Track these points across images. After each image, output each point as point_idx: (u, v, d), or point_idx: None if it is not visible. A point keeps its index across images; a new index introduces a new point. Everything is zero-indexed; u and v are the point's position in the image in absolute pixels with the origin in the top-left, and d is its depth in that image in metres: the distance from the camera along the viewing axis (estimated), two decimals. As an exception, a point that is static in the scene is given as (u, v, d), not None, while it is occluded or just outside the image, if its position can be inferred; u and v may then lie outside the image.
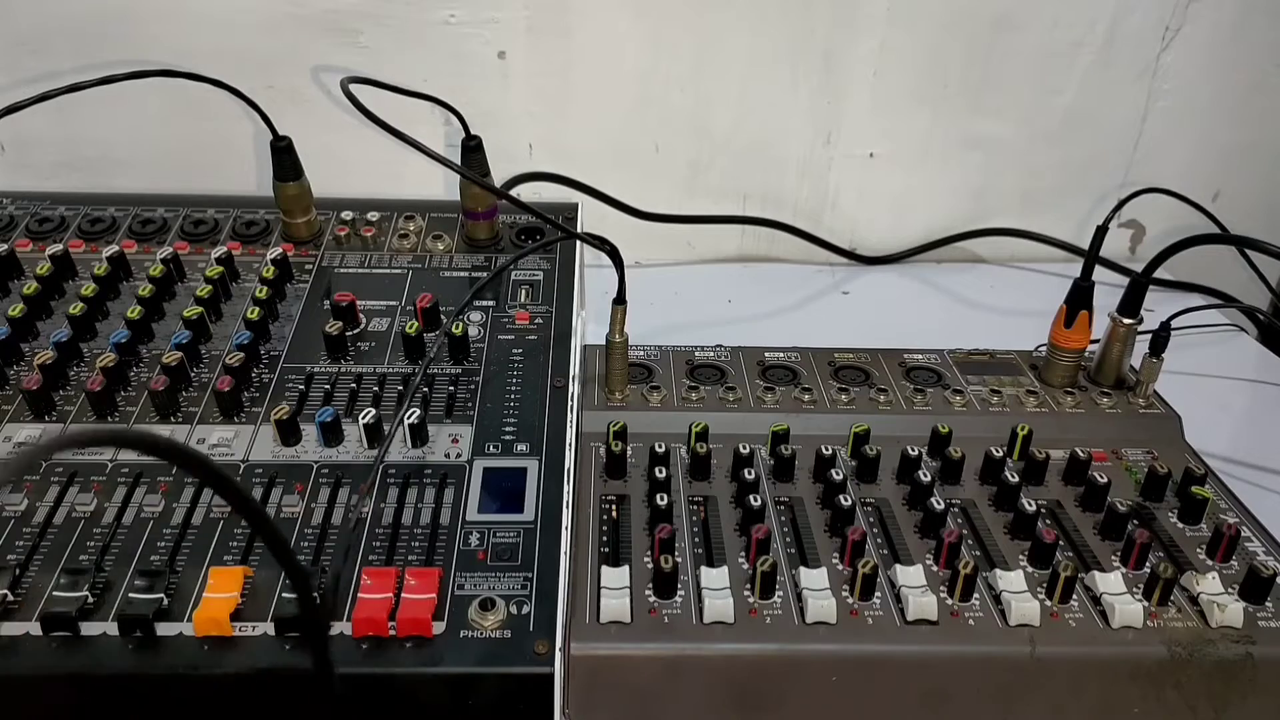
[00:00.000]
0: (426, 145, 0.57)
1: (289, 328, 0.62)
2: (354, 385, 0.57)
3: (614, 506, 0.56)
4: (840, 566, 0.52)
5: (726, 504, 0.56)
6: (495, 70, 0.87)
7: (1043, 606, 0.50)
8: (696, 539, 0.54)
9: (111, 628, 0.43)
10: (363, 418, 0.53)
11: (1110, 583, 0.51)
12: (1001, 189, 0.98)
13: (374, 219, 0.71)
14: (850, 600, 0.50)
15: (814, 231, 0.98)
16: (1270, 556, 0.54)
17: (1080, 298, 0.66)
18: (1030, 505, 0.55)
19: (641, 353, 0.68)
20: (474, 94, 0.82)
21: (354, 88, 0.60)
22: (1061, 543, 0.54)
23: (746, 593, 0.50)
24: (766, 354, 0.69)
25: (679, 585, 0.50)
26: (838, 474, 0.56)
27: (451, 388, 0.57)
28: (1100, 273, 0.67)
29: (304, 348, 0.60)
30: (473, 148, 0.68)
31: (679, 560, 0.51)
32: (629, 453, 0.59)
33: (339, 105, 0.61)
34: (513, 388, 0.58)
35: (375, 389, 0.57)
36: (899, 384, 0.67)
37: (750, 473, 0.56)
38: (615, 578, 0.50)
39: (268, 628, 0.44)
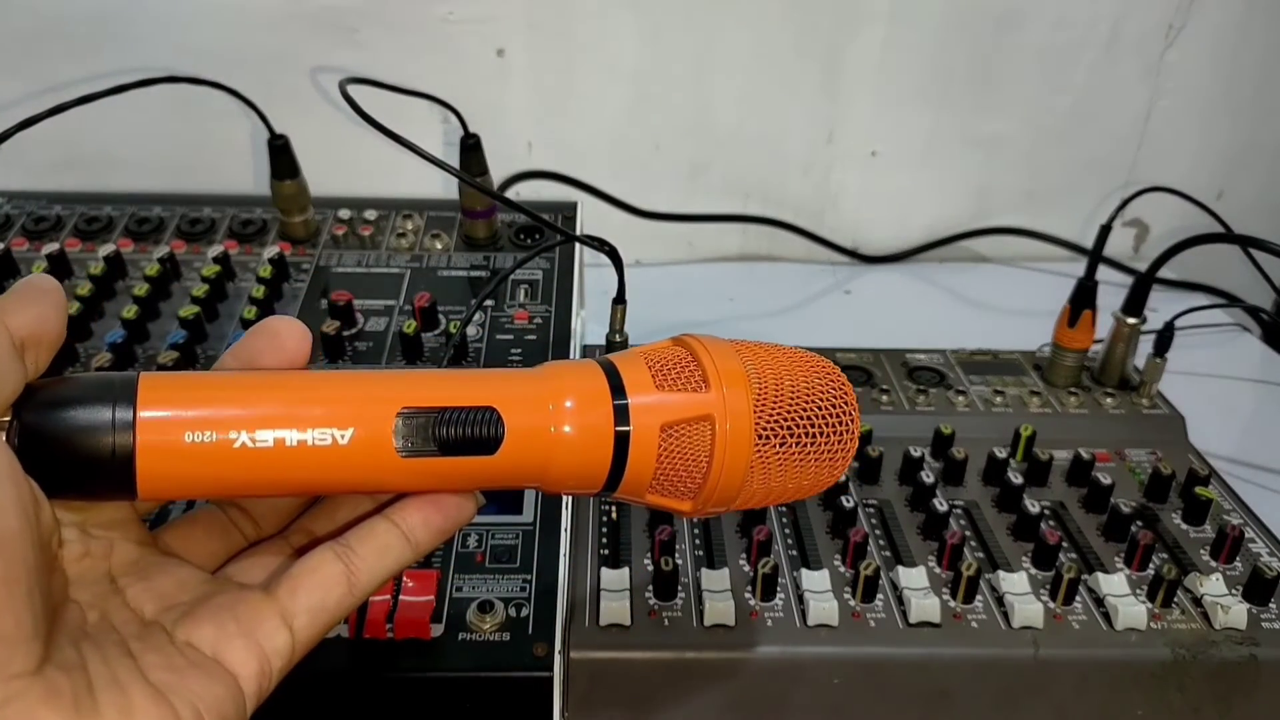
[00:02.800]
0: (424, 146, 0.57)
1: (286, 327, 0.61)
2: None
3: (614, 508, 0.55)
4: (842, 568, 0.52)
5: (727, 505, 0.56)
6: (494, 68, 0.87)
7: (1046, 608, 0.49)
8: (697, 540, 0.53)
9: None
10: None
11: (1114, 584, 0.50)
12: (1004, 188, 0.98)
13: (372, 218, 0.71)
14: (852, 602, 0.50)
15: (816, 230, 0.98)
16: (1274, 558, 0.54)
17: (1084, 297, 0.66)
18: (1033, 506, 0.54)
19: (641, 352, 0.68)
20: (473, 92, 0.81)
21: (352, 87, 0.59)
22: (1065, 544, 0.53)
23: (747, 595, 0.50)
24: (767, 354, 0.69)
25: (679, 587, 0.50)
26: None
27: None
28: (1104, 272, 0.66)
29: (301, 347, 0.60)
30: (471, 146, 0.67)
31: (679, 562, 0.51)
32: (629, 453, 0.59)
33: (336, 103, 0.60)
34: (512, 388, 0.57)
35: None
36: (901, 384, 0.67)
37: (751, 473, 0.56)
38: (615, 580, 0.50)
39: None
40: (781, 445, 0.32)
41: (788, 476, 0.32)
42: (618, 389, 0.31)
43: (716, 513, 0.33)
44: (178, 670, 0.27)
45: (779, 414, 0.32)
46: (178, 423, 0.28)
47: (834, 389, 0.33)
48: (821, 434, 0.32)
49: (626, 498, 0.32)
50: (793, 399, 0.32)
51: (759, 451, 0.31)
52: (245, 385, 0.29)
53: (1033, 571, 0.52)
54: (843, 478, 0.55)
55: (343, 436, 0.29)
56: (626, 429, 0.31)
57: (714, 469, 0.31)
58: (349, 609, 0.31)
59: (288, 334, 0.31)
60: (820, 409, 0.32)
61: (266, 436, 0.28)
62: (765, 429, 0.31)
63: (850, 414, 0.33)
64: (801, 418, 0.32)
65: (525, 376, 0.32)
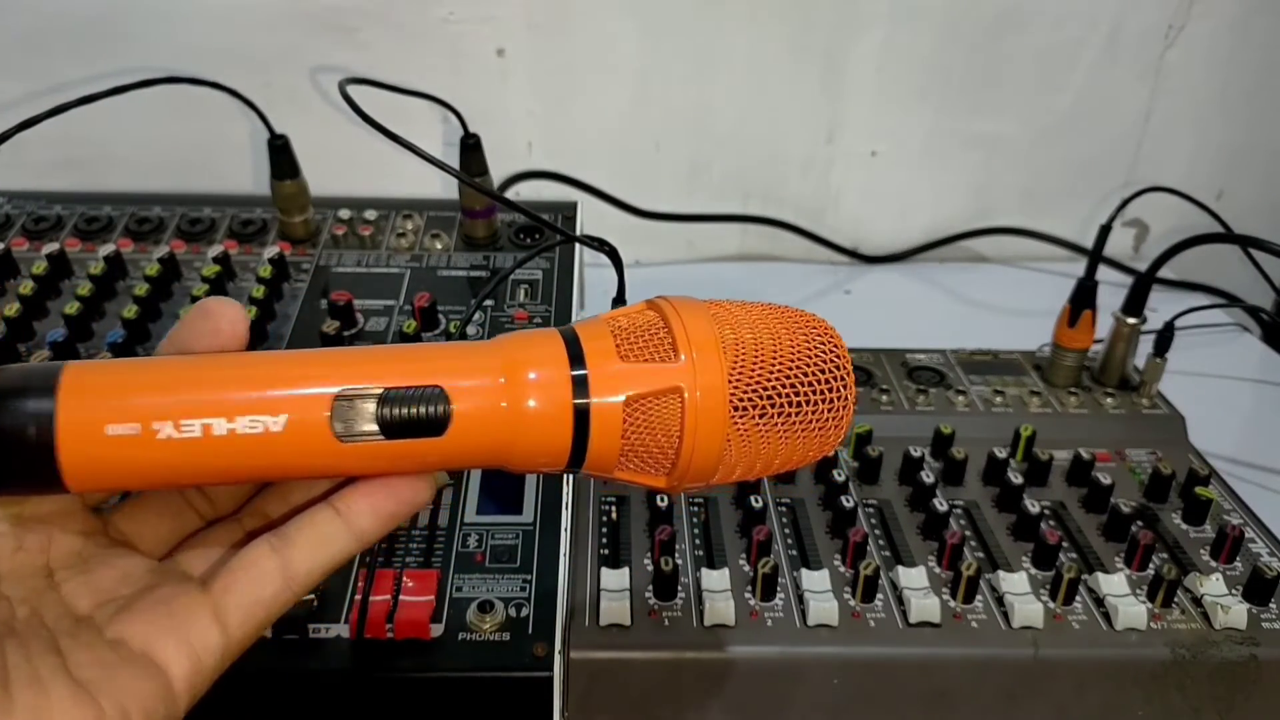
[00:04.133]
0: (424, 146, 0.57)
1: (286, 327, 0.61)
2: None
3: (614, 508, 0.55)
4: (842, 568, 0.52)
5: (727, 505, 0.56)
6: (494, 68, 0.87)
7: (1046, 609, 0.49)
8: (697, 540, 0.53)
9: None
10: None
11: (1114, 584, 0.50)
12: (1004, 187, 0.98)
13: (371, 218, 0.71)
14: (852, 603, 0.50)
15: (816, 230, 0.98)
16: (1274, 558, 0.54)
17: (1084, 297, 0.66)
18: (1033, 506, 0.54)
19: (641, 352, 0.68)
20: (473, 92, 0.81)
21: (351, 87, 0.59)
22: (1065, 544, 0.53)
23: (747, 595, 0.50)
24: (767, 354, 0.69)
25: (679, 587, 0.50)
26: (839, 475, 0.56)
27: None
28: (1104, 272, 0.66)
29: (301, 347, 0.59)
30: (471, 146, 0.67)
31: (679, 562, 0.51)
32: (629, 453, 0.59)
33: (336, 103, 0.60)
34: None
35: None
36: (901, 384, 0.67)
37: (751, 473, 0.56)
38: (615, 580, 0.50)
39: (264, 630, 0.43)
40: (762, 416, 0.29)
41: (773, 448, 0.30)
42: (578, 359, 0.29)
43: (696, 488, 0.31)
44: (107, 667, 0.26)
45: (758, 382, 0.29)
46: (99, 414, 0.27)
47: (823, 350, 0.30)
48: (809, 401, 0.29)
49: (596, 474, 0.30)
50: (775, 364, 0.29)
51: (736, 423, 0.29)
52: (171, 372, 0.28)
53: (1033, 571, 0.52)
54: (843, 476, 0.55)
55: (275, 423, 0.27)
56: (587, 403, 0.28)
57: (686, 444, 0.29)
58: (288, 603, 0.30)
59: (221, 315, 0.30)
60: (807, 374, 0.29)
61: (192, 426, 0.27)
62: (742, 399, 0.29)
63: (842, 377, 0.30)
64: (785, 385, 0.29)
65: (477, 350, 0.30)
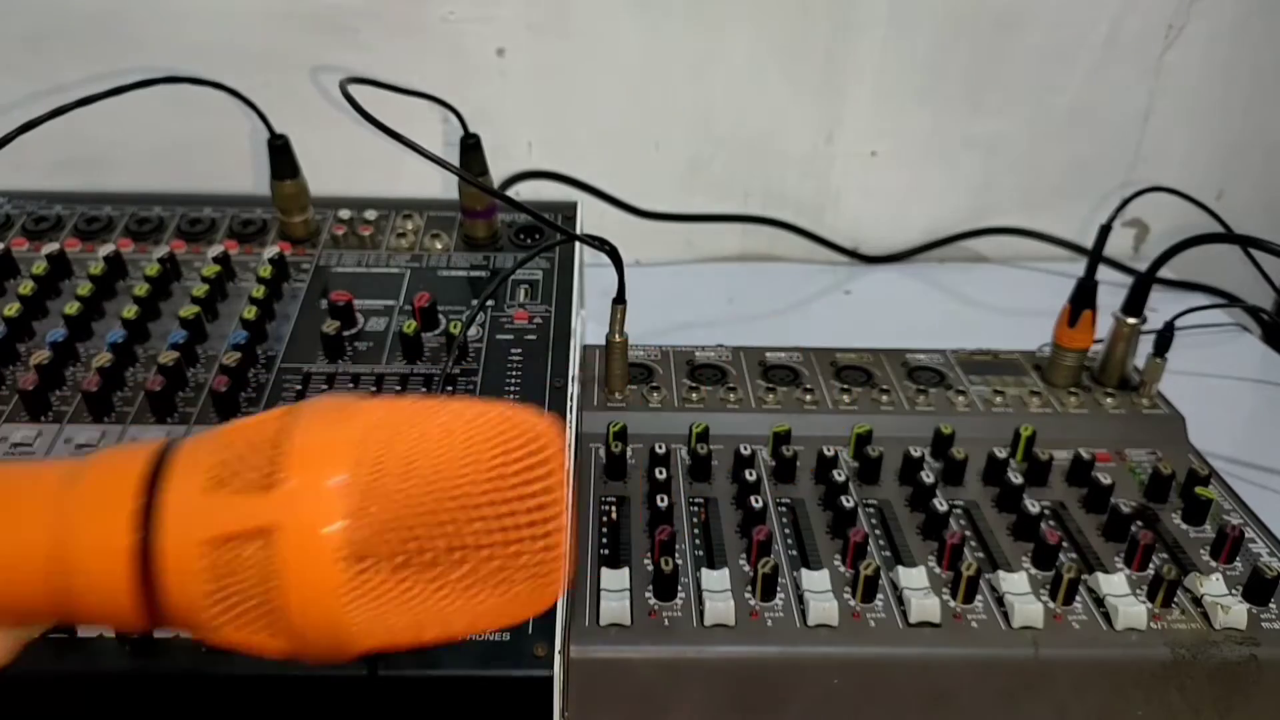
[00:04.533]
0: (424, 146, 0.57)
1: (285, 327, 0.61)
2: (351, 385, 0.57)
3: (613, 508, 0.55)
4: (842, 568, 0.52)
5: (727, 505, 0.56)
6: (494, 68, 0.87)
7: (1046, 608, 0.49)
8: (697, 541, 0.53)
9: (109, 629, 0.43)
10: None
11: (1114, 584, 0.50)
12: (1004, 187, 0.98)
13: (371, 218, 0.71)
14: (852, 603, 0.50)
15: (815, 230, 0.98)
16: (1275, 558, 0.54)
17: (1084, 297, 0.66)
18: (1033, 507, 0.54)
19: (641, 353, 0.68)
20: (472, 92, 0.81)
21: (352, 87, 0.59)
22: (1065, 544, 0.53)
23: (747, 595, 0.50)
24: (768, 354, 0.69)
25: (679, 587, 0.50)
26: (839, 475, 0.56)
27: (450, 388, 0.57)
28: (1104, 272, 0.66)
29: (301, 348, 0.60)
30: (471, 146, 0.67)
31: (679, 562, 0.51)
32: (629, 454, 0.59)
33: (336, 103, 0.60)
34: (511, 388, 0.57)
35: (373, 389, 0.57)
36: (901, 384, 0.67)
37: (751, 474, 0.56)
38: (615, 580, 0.50)
39: (264, 630, 0.43)
40: (402, 569, 0.22)
41: (435, 609, 0.23)
42: (154, 486, 0.23)
43: (337, 657, 0.24)
44: None
45: (397, 522, 0.22)
46: None
47: (517, 478, 0.23)
48: (480, 548, 0.23)
49: (195, 633, 0.24)
50: (423, 499, 0.22)
51: (358, 579, 0.22)
52: None
53: (1033, 571, 0.52)
54: (843, 476, 0.55)
55: None
56: (147, 544, 0.23)
57: (287, 601, 0.22)
58: None
59: None
60: (480, 511, 0.22)
61: None
62: (369, 545, 0.22)
63: (542, 510, 0.23)
64: (439, 526, 0.22)
65: (36, 471, 0.24)
